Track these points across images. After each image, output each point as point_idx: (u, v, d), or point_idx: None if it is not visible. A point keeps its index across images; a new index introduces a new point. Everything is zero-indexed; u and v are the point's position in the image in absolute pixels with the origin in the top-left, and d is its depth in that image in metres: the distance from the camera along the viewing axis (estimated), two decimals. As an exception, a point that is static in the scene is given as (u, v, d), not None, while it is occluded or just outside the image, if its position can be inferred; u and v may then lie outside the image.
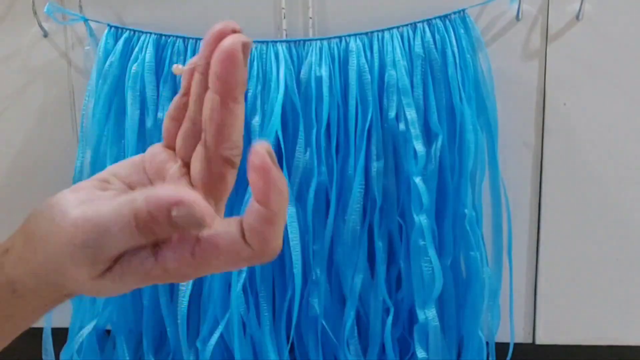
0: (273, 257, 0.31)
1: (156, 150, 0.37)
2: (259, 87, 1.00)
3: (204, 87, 0.33)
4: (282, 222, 0.31)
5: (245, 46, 0.31)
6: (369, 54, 1.00)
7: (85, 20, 1.06)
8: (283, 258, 1.05)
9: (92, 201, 0.32)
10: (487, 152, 1.04)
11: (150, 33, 1.02)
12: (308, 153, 1.00)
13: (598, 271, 1.10)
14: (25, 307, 0.35)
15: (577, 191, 1.07)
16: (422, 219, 0.99)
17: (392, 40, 0.99)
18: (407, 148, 1.00)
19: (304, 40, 1.01)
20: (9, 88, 1.12)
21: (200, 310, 1.06)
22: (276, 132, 0.98)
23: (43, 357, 1.09)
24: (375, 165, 1.00)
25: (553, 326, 1.12)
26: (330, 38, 1.01)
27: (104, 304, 1.06)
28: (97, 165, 1.04)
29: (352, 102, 0.99)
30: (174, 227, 0.30)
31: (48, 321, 1.09)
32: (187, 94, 0.35)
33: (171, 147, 0.37)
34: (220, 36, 0.31)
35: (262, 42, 1.01)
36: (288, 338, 1.05)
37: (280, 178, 0.30)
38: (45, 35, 1.09)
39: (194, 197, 0.29)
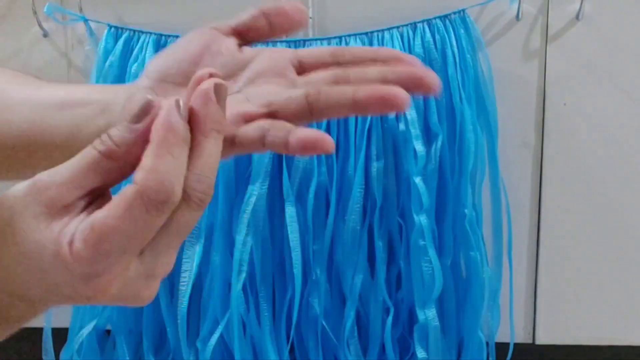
0: (163, 194, 0.29)
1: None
2: (259, 87, 1.00)
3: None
4: (166, 155, 0.29)
5: (218, 87, 0.31)
6: (369, 54, 1.00)
7: (85, 21, 1.06)
8: (283, 258, 1.05)
9: None
10: (487, 152, 1.04)
11: (150, 33, 1.02)
12: (308, 153, 1.00)
13: (598, 271, 1.10)
14: None
15: (577, 191, 1.07)
16: (422, 219, 0.99)
17: (392, 40, 0.99)
18: (407, 148, 0.99)
19: (304, 40, 1.01)
20: (9, 88, 1.12)
21: (200, 310, 1.06)
22: (276, 132, 0.98)
23: (43, 357, 1.09)
24: (375, 165, 1.00)
25: (553, 326, 1.12)
26: (330, 38, 1.01)
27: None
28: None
29: (352, 102, 0.99)
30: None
31: (48, 321, 1.09)
32: None
33: None
34: (199, 81, 0.32)
35: (262, 42, 1.01)
36: (288, 338, 1.05)
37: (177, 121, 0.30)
38: (45, 35, 1.09)
39: None
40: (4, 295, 0.31)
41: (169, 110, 0.30)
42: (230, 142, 0.36)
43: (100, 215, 0.29)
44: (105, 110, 0.40)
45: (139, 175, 0.29)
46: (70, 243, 0.29)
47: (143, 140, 0.30)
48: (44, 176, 0.30)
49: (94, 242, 0.29)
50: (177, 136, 0.29)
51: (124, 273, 0.30)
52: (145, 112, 0.30)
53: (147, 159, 0.29)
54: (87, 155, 0.30)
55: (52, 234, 0.29)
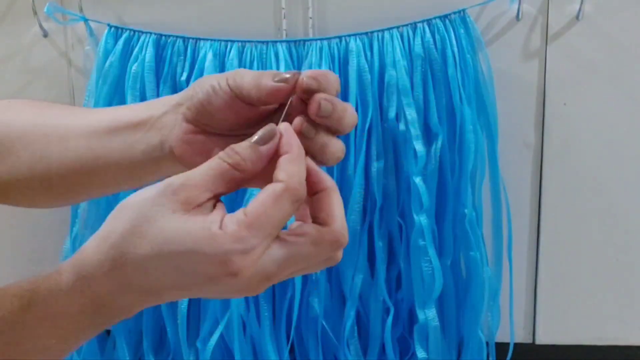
0: (302, 191, 0.36)
1: None
2: (259, 87, 1.00)
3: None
4: (301, 165, 0.37)
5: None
6: (369, 54, 1.00)
7: (85, 20, 1.06)
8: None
9: None
10: (487, 152, 1.04)
11: (150, 33, 1.02)
12: (308, 153, 1.00)
13: (598, 271, 1.10)
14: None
15: (577, 191, 1.07)
16: (422, 219, 0.99)
17: (392, 40, 0.99)
18: (407, 148, 1.00)
19: (304, 40, 1.01)
20: (9, 88, 1.12)
21: (200, 310, 1.06)
22: (276, 132, 0.98)
23: (43, 357, 1.09)
24: (375, 165, 1.00)
25: (553, 326, 1.12)
26: (330, 38, 1.01)
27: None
28: (97, 165, 1.04)
29: (352, 102, 0.99)
30: None
31: (48, 321, 1.08)
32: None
33: None
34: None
35: (262, 42, 1.01)
36: (288, 338, 1.05)
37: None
38: (45, 35, 1.09)
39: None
40: (135, 295, 0.36)
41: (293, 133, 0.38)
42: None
43: (252, 204, 0.35)
44: (153, 127, 0.45)
45: (284, 176, 0.36)
46: (221, 227, 0.35)
47: (265, 157, 0.37)
48: (176, 180, 0.36)
49: (247, 224, 0.35)
50: (303, 153, 0.38)
51: (261, 257, 0.36)
52: (270, 137, 0.37)
53: (291, 166, 0.36)
54: (216, 165, 0.37)
55: (197, 222, 0.35)
